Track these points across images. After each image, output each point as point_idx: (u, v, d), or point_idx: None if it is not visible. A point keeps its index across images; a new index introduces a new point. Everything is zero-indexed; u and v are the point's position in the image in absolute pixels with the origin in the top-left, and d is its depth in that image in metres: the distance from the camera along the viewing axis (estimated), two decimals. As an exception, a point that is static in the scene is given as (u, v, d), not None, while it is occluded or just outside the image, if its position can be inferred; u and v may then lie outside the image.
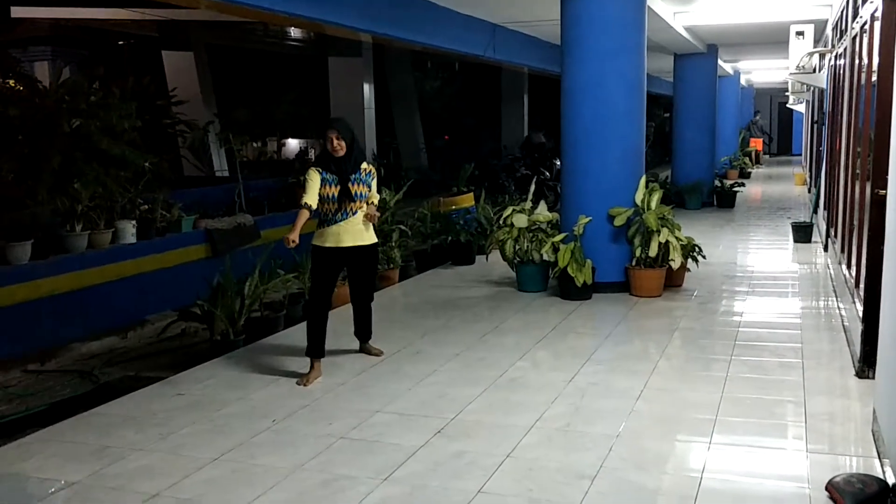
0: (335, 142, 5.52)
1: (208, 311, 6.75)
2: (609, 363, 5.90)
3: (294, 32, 16.88)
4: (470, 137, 25.07)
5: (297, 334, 6.97)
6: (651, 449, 4.35)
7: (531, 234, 8.28)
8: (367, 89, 14.80)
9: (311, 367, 5.69)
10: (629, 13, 8.11)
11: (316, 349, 5.71)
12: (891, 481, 3.70)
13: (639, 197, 8.01)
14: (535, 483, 3.96)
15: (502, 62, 15.41)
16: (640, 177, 8.21)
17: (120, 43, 18.06)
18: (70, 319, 7.97)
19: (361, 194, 5.61)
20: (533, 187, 9.15)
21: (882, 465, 3.99)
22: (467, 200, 11.80)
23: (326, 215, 5.60)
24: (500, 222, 8.71)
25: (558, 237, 8.07)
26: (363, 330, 6.21)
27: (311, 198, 5.51)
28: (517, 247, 8.28)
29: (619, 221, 8.00)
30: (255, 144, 20.59)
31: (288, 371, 5.85)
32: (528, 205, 8.57)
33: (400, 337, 6.76)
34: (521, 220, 8.24)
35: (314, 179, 5.54)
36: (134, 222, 8.95)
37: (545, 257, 8.09)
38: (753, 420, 4.73)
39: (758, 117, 33.36)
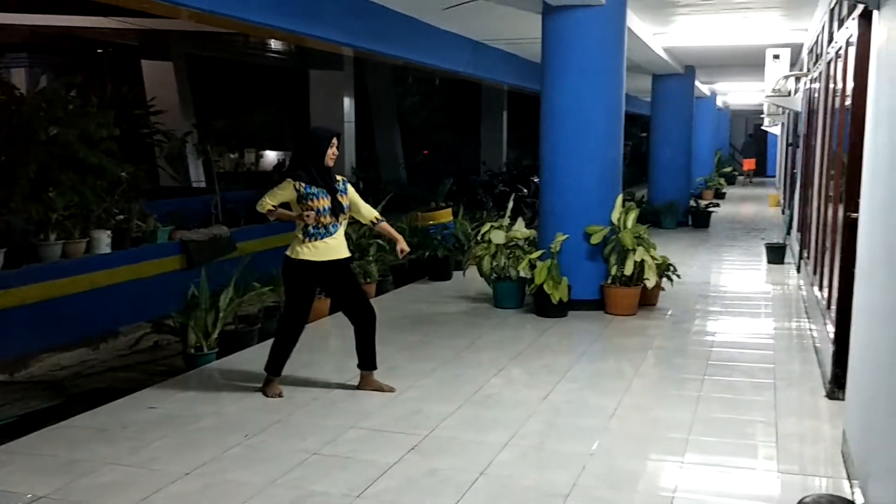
0: (335, 151, 5.40)
1: (182, 323, 6.69)
2: (584, 381, 5.92)
3: (275, 44, 16.87)
4: (449, 153, 25.16)
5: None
6: (624, 467, 4.37)
7: (508, 251, 8.31)
8: (348, 103, 14.82)
9: (271, 382, 5.62)
10: (609, 33, 8.20)
11: (280, 367, 5.62)
12: (859, 502, 3.74)
13: (615, 216, 8.07)
14: (508, 501, 3.96)
15: (482, 78, 15.49)
16: (617, 195, 8.27)
17: (98, 51, 17.96)
18: (41, 329, 7.87)
19: (347, 205, 5.51)
20: (511, 204, 9.19)
21: (851, 486, 4.03)
22: (445, 216, 11.82)
23: (318, 228, 5.35)
24: (478, 238, 8.73)
25: (535, 254, 8.11)
26: (368, 357, 5.71)
27: (275, 203, 5.40)
28: (494, 263, 8.30)
29: (595, 239, 8.05)
30: (231, 156, 20.52)
31: (258, 387, 5.79)
32: (506, 221, 8.61)
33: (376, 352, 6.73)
34: (498, 237, 8.28)
35: (286, 190, 5.35)
36: (109, 232, 8.87)
37: (522, 274, 8.12)
38: (725, 440, 4.77)
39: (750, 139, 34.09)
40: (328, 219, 5.36)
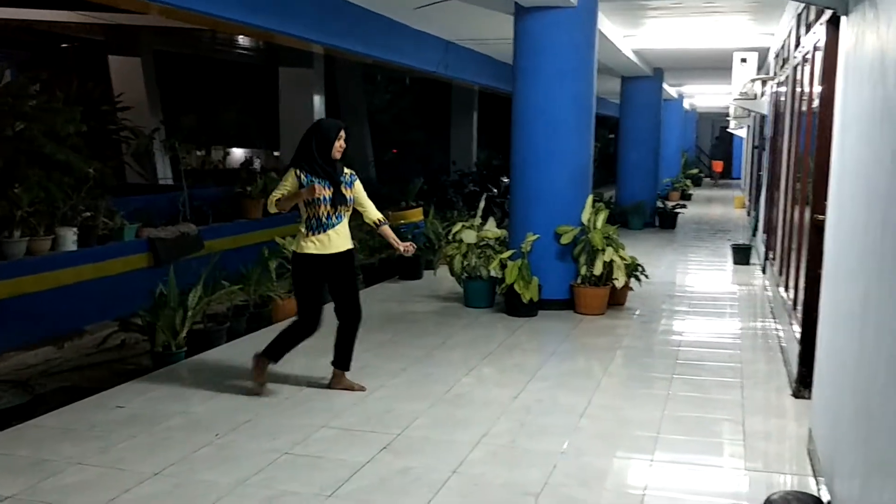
0: (342, 143, 5.39)
1: (150, 322, 6.61)
2: (554, 380, 5.96)
3: (245, 41, 16.75)
4: (419, 152, 25.13)
5: (241, 347, 6.90)
6: (595, 465, 4.41)
7: (479, 251, 8.33)
8: (318, 101, 14.73)
9: (263, 367, 5.62)
10: (581, 36, 8.25)
11: (279, 356, 5.62)
12: (826, 499, 3.81)
13: (585, 216, 8.13)
14: (481, 500, 3.98)
15: (454, 78, 15.51)
16: (587, 196, 8.33)
17: (64, 46, 17.68)
18: (6, 328, 7.73)
19: (351, 198, 5.46)
20: (483, 203, 9.21)
21: (817, 483, 4.10)
22: (416, 215, 11.83)
23: (319, 220, 5.29)
24: (449, 238, 8.74)
25: (506, 254, 8.13)
26: (344, 356, 5.67)
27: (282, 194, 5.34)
28: (465, 262, 8.32)
29: (565, 240, 8.10)
30: (198, 153, 20.30)
31: (231, 385, 5.77)
32: (478, 221, 8.63)
33: (353, 353, 6.71)
34: (469, 236, 8.30)
35: (289, 180, 5.33)
36: (75, 229, 8.73)
37: (493, 273, 8.15)
38: (694, 438, 4.83)
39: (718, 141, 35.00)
40: (327, 208, 5.29)
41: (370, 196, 5.81)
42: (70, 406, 5.38)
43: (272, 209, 5.39)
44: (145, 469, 4.29)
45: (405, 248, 5.71)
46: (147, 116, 14.34)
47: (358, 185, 5.58)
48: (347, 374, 5.73)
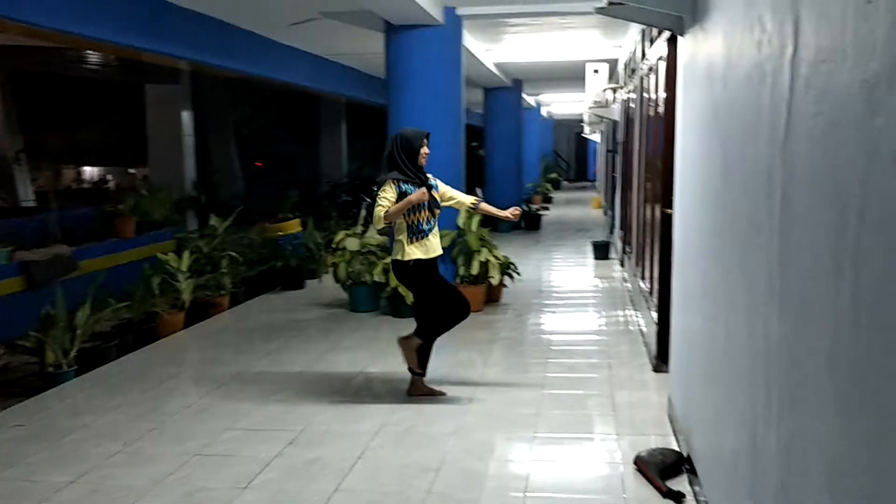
0: (426, 150, 5.56)
1: (40, 342, 6.61)
2: (442, 371, 6.38)
3: (109, 58, 16.38)
4: (286, 165, 25.12)
5: (132, 362, 7.01)
6: (486, 442, 4.88)
7: (363, 257, 8.68)
8: (186, 116, 14.64)
9: (419, 381, 5.80)
10: (449, 51, 8.78)
11: (425, 366, 5.83)
12: (685, 452, 4.41)
13: (461, 220, 8.65)
14: (386, 478, 4.36)
15: (324, 92, 15.77)
16: (460, 201, 8.83)
17: None
18: None
19: (439, 202, 5.67)
20: (364, 212, 9.57)
21: (678, 441, 4.72)
22: (293, 226, 12.03)
23: (420, 226, 5.48)
24: (333, 246, 9.04)
25: (389, 259, 8.51)
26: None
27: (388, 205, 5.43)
28: (350, 269, 8.65)
29: (444, 242, 8.54)
30: (47, 174, 19.59)
31: (126, 399, 5.89)
32: (360, 229, 8.98)
33: (238, 360, 6.94)
34: (353, 244, 8.64)
35: (389, 192, 5.42)
36: (-56, 256, 8.50)
37: (376, 278, 8.52)
38: (571, 412, 5.39)
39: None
40: (426, 213, 5.49)
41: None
42: (-35, 429, 5.38)
43: (380, 225, 5.44)
44: (59, 479, 4.42)
45: (513, 214, 5.87)
46: (4, 138, 13.88)
47: (441, 184, 5.76)
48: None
